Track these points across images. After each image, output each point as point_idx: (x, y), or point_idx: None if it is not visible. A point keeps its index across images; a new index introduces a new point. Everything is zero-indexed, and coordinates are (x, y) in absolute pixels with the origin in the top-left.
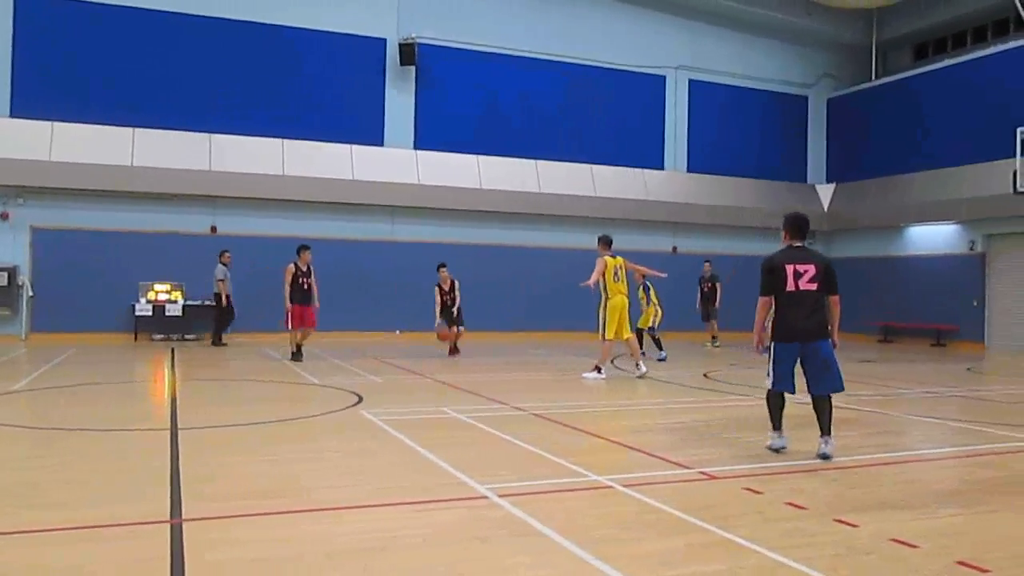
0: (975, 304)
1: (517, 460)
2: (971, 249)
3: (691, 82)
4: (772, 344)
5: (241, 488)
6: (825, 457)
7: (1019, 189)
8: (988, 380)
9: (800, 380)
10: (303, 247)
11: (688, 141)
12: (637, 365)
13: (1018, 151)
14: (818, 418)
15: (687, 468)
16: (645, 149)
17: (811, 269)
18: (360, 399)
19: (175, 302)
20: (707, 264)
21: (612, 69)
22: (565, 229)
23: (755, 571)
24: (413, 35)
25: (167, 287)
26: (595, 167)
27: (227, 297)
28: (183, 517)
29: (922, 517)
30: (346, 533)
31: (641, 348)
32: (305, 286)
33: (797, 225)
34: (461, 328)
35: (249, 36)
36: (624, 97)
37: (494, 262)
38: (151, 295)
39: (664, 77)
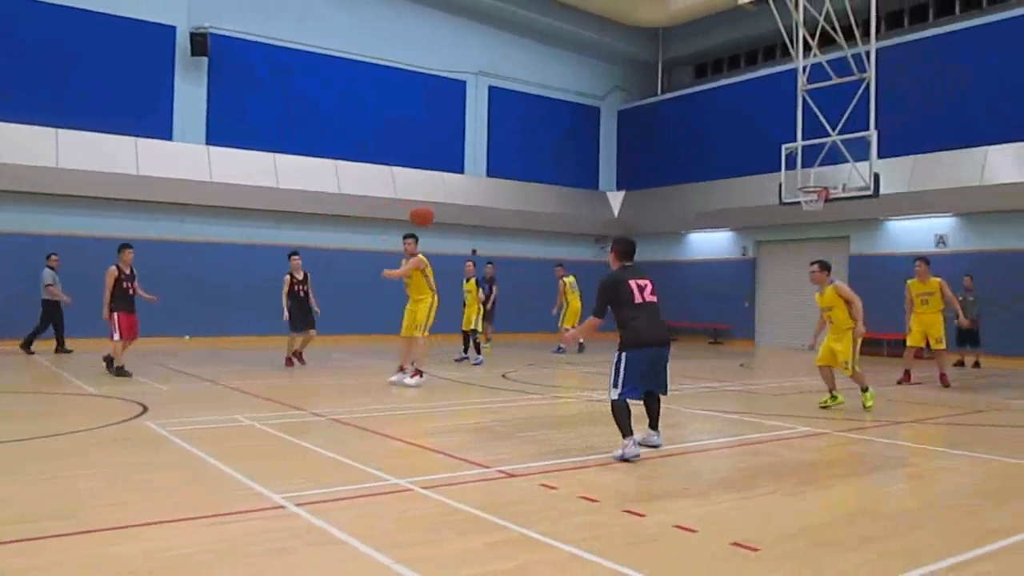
0: (746, 305)
1: (315, 467)
2: (743, 255)
3: (491, 88)
4: (622, 355)
5: (9, 512)
6: (657, 446)
7: (784, 200)
8: (757, 375)
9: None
10: (124, 246)
11: (488, 146)
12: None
13: (783, 166)
14: (651, 414)
15: (486, 467)
16: (446, 153)
17: (648, 284)
18: (145, 409)
19: None
20: (489, 266)
21: (414, 72)
22: (366, 231)
23: (551, 565)
24: (206, 25)
25: None
26: (396, 169)
27: (55, 303)
28: None
29: (701, 504)
30: (133, 554)
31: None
32: (131, 291)
33: (626, 248)
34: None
35: (17, 13)
36: (426, 100)
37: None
38: None
39: (465, 82)
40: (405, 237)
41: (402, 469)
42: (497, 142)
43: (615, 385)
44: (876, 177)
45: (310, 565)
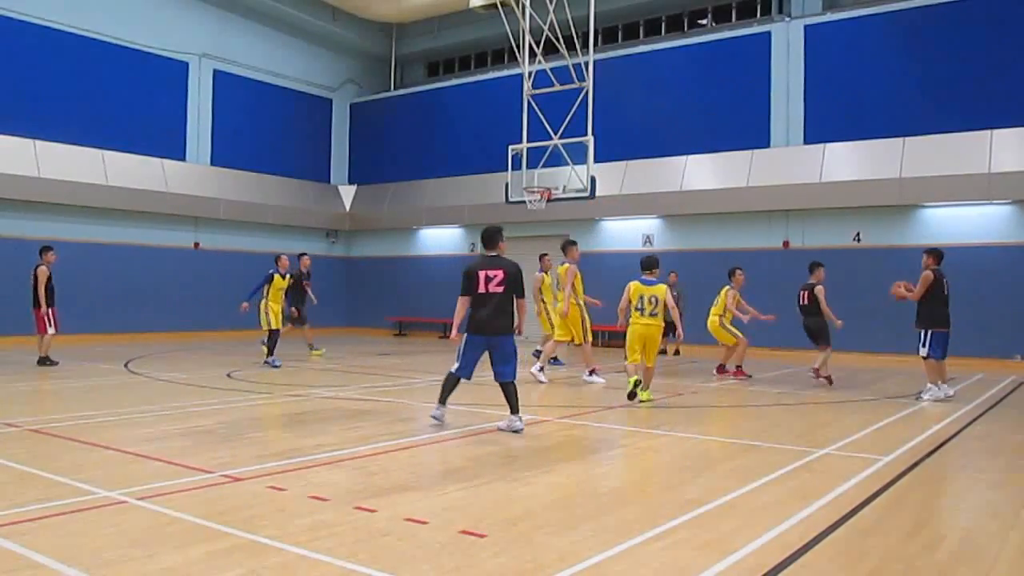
0: None
1: (6, 485)
2: (472, 251)
3: (216, 72)
4: (464, 336)
5: None
6: (518, 431)
7: (510, 199)
8: (484, 367)
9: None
10: (48, 247)
11: (212, 133)
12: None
13: (509, 166)
14: (508, 401)
15: (209, 472)
16: (166, 138)
17: (499, 274)
18: None
19: None
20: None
21: (129, 48)
22: (69, 220)
23: (278, 569)
24: None
25: None
26: (107, 153)
27: None
28: None
29: (431, 495)
30: None
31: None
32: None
33: (485, 236)
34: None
35: None
36: (143, 80)
37: None
38: None
39: (187, 64)
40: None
41: (113, 480)
42: (223, 129)
43: (456, 360)
44: (593, 180)
45: None
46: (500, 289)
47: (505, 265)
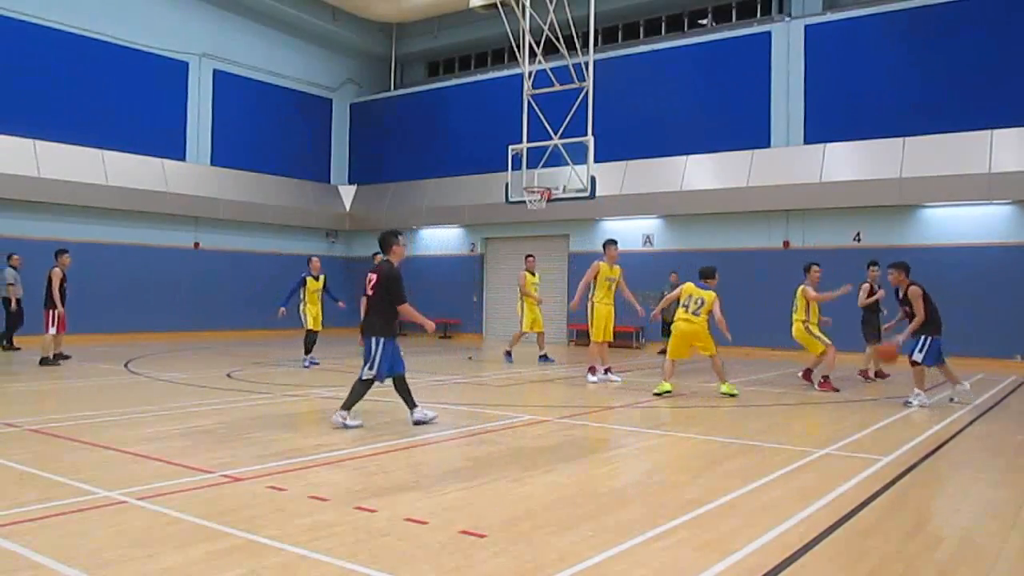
0: (475, 299)
1: (7, 485)
2: (472, 250)
3: (216, 72)
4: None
5: None
6: (419, 423)
7: (510, 199)
8: (485, 367)
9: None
10: (60, 251)
11: (212, 133)
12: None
13: (509, 166)
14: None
15: (209, 472)
16: (166, 138)
17: (374, 278)
18: None
19: None
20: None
21: (129, 48)
22: (69, 220)
23: (277, 569)
24: None
25: None
26: (107, 153)
27: (17, 301)
28: None
29: (431, 495)
30: None
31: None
32: (66, 292)
33: (380, 240)
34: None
35: None
36: (143, 80)
37: None
38: None
39: (187, 63)
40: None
41: (114, 480)
42: (223, 129)
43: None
44: (593, 180)
45: None
46: (371, 292)
47: (380, 271)
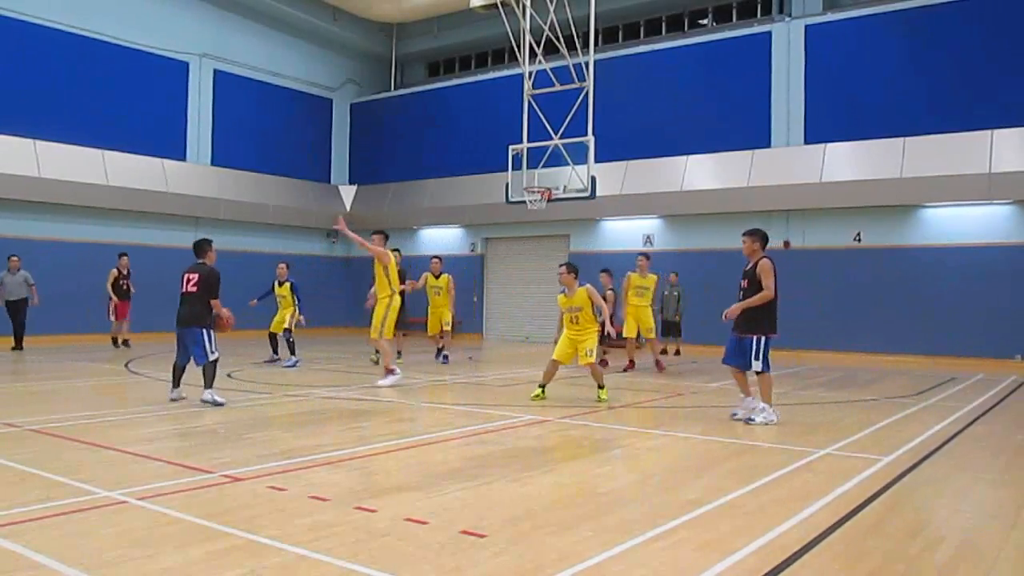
0: (475, 299)
1: (7, 485)
2: (472, 250)
3: (217, 72)
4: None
5: None
6: (217, 404)
7: (510, 199)
8: (485, 367)
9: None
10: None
11: (213, 133)
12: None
13: (510, 166)
14: (203, 376)
15: (209, 472)
16: (166, 138)
17: (194, 276)
18: None
19: None
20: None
21: (129, 48)
22: (69, 220)
23: (277, 569)
24: None
25: None
26: (107, 153)
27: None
28: None
29: (432, 495)
30: None
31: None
32: (124, 287)
33: (195, 246)
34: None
35: None
36: (143, 80)
37: None
38: None
39: (188, 63)
40: (373, 233)
41: (114, 480)
42: (223, 129)
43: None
44: (593, 180)
45: None
46: (194, 289)
47: (199, 270)
